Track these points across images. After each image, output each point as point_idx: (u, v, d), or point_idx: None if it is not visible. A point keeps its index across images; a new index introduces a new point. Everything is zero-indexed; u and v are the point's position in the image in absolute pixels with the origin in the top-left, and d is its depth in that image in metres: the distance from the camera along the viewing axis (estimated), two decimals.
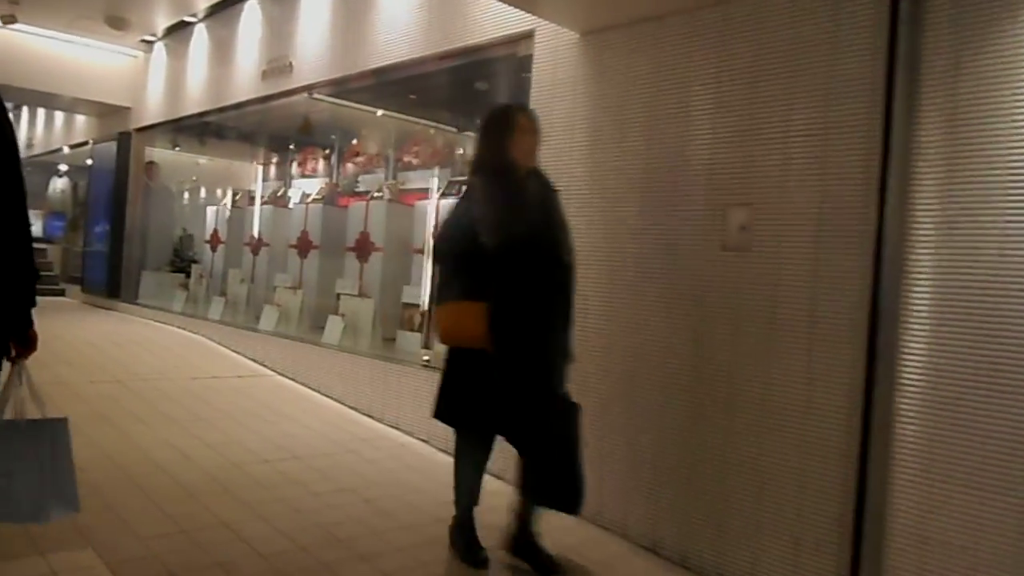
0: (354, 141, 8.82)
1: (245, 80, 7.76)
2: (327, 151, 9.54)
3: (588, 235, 3.97)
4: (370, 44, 6.05)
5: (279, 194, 9.10)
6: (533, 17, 4.55)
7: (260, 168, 11.27)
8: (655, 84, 3.83)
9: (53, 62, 9.95)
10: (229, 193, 9.44)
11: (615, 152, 4.00)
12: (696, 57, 3.66)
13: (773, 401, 3.17)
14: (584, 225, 3.98)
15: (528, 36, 4.66)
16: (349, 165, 8.91)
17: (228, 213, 9.41)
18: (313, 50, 6.73)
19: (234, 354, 7.20)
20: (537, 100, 4.50)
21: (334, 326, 6.38)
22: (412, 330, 6.19)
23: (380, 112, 7.29)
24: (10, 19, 8.53)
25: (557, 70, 4.42)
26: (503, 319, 2.88)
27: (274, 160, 10.72)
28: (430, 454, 4.80)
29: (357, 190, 8.50)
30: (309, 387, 6.16)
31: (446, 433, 4.95)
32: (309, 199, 8.33)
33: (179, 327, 8.51)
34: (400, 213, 7.08)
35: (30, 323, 2.38)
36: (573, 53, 4.34)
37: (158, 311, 9.18)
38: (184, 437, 4.53)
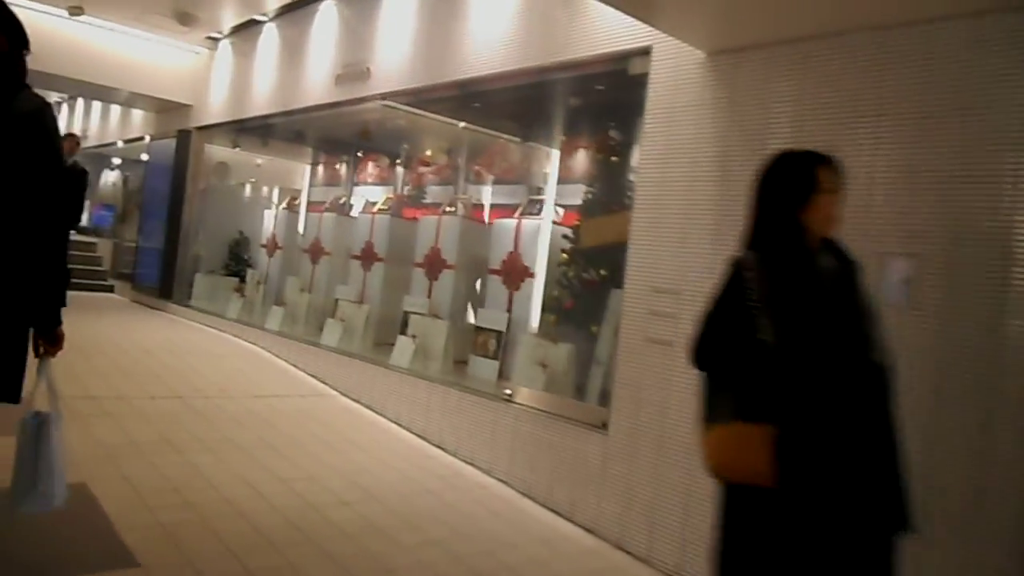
0: (428, 152, 8.49)
1: (316, 84, 7.48)
2: (395, 159, 9.23)
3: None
4: (457, 54, 5.72)
5: (341, 201, 8.82)
6: (650, 33, 4.19)
7: (308, 168, 11.05)
8: (798, 113, 3.45)
9: (113, 56, 9.78)
10: (274, 193, 9.21)
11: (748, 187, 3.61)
12: (848, 86, 3.27)
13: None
14: (712, 270, 3.61)
15: (643, 53, 4.29)
16: (416, 175, 8.58)
17: (285, 216, 9.15)
18: (393, 57, 6.41)
19: (294, 369, 6.90)
20: (652, 123, 4.14)
21: (404, 348, 6.04)
22: (487, 356, 5.84)
23: (462, 124, 6.95)
24: (77, 10, 8.34)
25: (678, 92, 4.05)
26: (797, 448, 2.05)
27: (336, 166, 10.44)
28: (513, 499, 4.43)
29: (424, 202, 8.17)
30: (375, 411, 5.83)
31: (526, 474, 4.61)
32: (374, 208, 8.04)
33: (234, 335, 8.24)
34: (475, 230, 6.75)
35: (58, 322, 2.46)
36: (698, 74, 3.97)
37: (211, 316, 8.92)
38: (255, 469, 4.21)
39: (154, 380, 5.78)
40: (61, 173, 2.39)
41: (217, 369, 6.53)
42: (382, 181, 9.60)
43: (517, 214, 6.24)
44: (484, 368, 5.80)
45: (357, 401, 6.05)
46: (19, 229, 2.28)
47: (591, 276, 5.23)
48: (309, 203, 10.19)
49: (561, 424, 4.45)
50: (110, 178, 16.71)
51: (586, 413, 4.42)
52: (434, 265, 6.80)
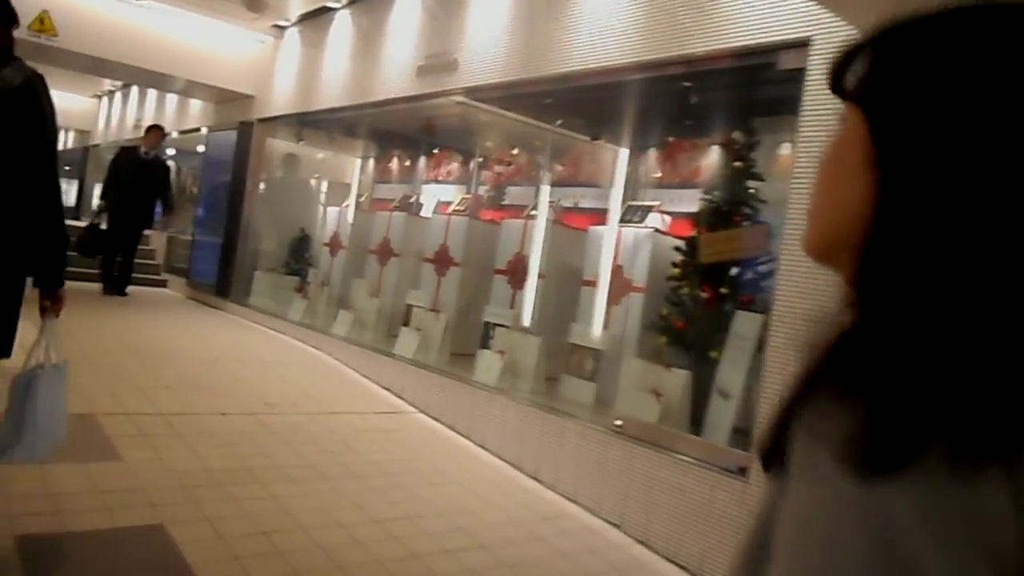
0: (513, 151, 7.95)
1: (395, 75, 7.00)
2: (470, 156, 8.73)
3: None
4: (561, 45, 5.20)
5: (411, 200, 8.35)
6: (809, 23, 3.64)
7: (359, 162, 10.61)
8: None
9: (171, 43, 9.42)
10: (322, 188, 8.77)
11: None
12: None
13: None
14: None
15: (799, 45, 3.73)
16: (494, 175, 8.06)
17: (352, 214, 8.72)
18: (483, 47, 5.91)
19: (365, 380, 6.44)
20: (811, 126, 3.59)
21: (490, 363, 5.55)
22: (582, 376, 5.33)
23: (558, 122, 6.43)
24: None
25: None
26: None
27: (403, 162, 9.98)
28: (629, 547, 3.92)
29: (504, 203, 7.66)
30: (459, 433, 5.34)
31: (642, 518, 4.08)
32: (449, 209, 7.56)
33: (297, 339, 7.82)
34: (566, 236, 6.24)
35: (61, 283, 2.60)
36: None
37: (272, 317, 8.52)
38: (345, 507, 3.74)
39: (223, 393, 5.36)
40: (54, 143, 2.55)
41: (286, 380, 6.09)
42: (454, 179, 9.11)
43: (615, 221, 5.71)
44: (579, 390, 5.28)
45: (438, 420, 5.57)
46: (15, 196, 2.41)
47: (709, 294, 4.69)
48: (373, 200, 9.74)
49: (684, 465, 3.92)
50: None
51: (717, 455, 3.89)
52: (518, 273, 6.30)
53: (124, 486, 3.57)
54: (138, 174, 9.19)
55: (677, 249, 5.00)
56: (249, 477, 3.91)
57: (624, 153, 6.36)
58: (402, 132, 9.41)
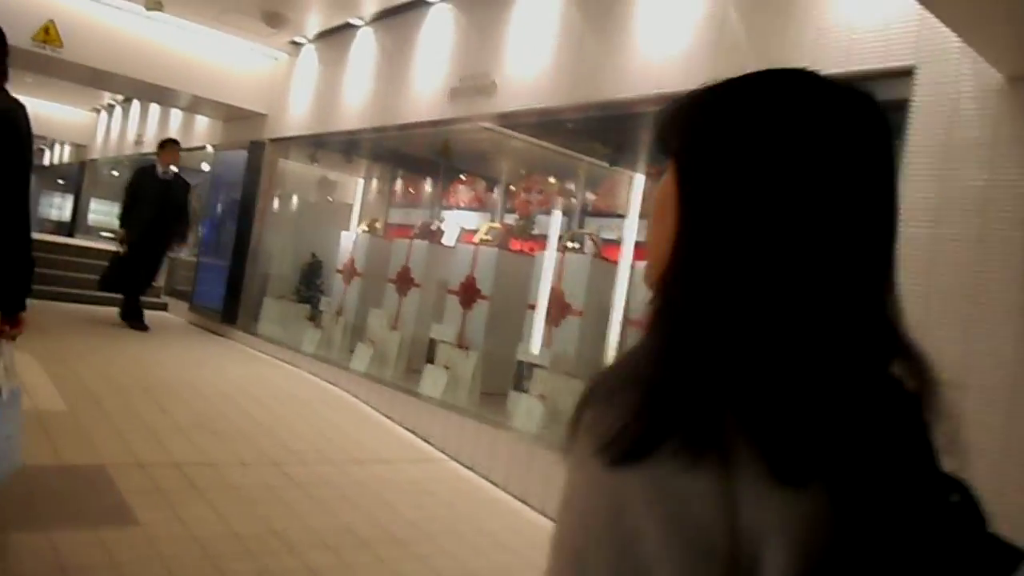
0: (551, 179, 7.57)
1: (423, 97, 6.63)
2: (495, 182, 8.36)
3: None
4: (614, 70, 4.85)
5: (433, 227, 7.96)
6: (914, 50, 3.30)
7: (360, 183, 10.24)
8: None
9: (180, 56, 9.03)
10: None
11: None
12: None
13: None
14: (1019, 361, 2.69)
15: (902, 74, 3.38)
16: (523, 203, 7.68)
17: (367, 240, 8.31)
18: (525, 70, 5.56)
19: (388, 422, 6.01)
20: (919, 165, 3.23)
21: (528, 409, 5.14)
22: None
23: (605, 152, 6.08)
24: (156, 6, 7.59)
25: (959, 125, 3.15)
26: None
27: (420, 186, 9.60)
28: None
29: (534, 233, 7.28)
30: (497, 485, 4.92)
31: None
32: (475, 238, 7.17)
33: (310, 372, 7.39)
34: (606, 271, 5.85)
35: (22, 307, 2.62)
36: (993, 103, 3.06)
37: (282, 348, 8.08)
38: None
39: (242, 438, 4.92)
40: (28, 171, 2.59)
41: (306, 421, 5.66)
42: (477, 206, 8.72)
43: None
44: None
45: (471, 470, 5.14)
46: None
47: None
48: (388, 225, 9.35)
49: None
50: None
51: None
52: (556, 309, 5.91)
53: (143, 556, 3.14)
54: (158, 197, 8.40)
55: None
56: (281, 544, 3.48)
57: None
58: (419, 154, 9.05)
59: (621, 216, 6.65)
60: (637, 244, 6.05)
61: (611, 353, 5.52)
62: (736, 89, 0.70)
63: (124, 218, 8.52)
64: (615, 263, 5.96)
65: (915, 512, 0.62)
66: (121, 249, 8.34)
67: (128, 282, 8.42)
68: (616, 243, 6.37)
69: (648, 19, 4.71)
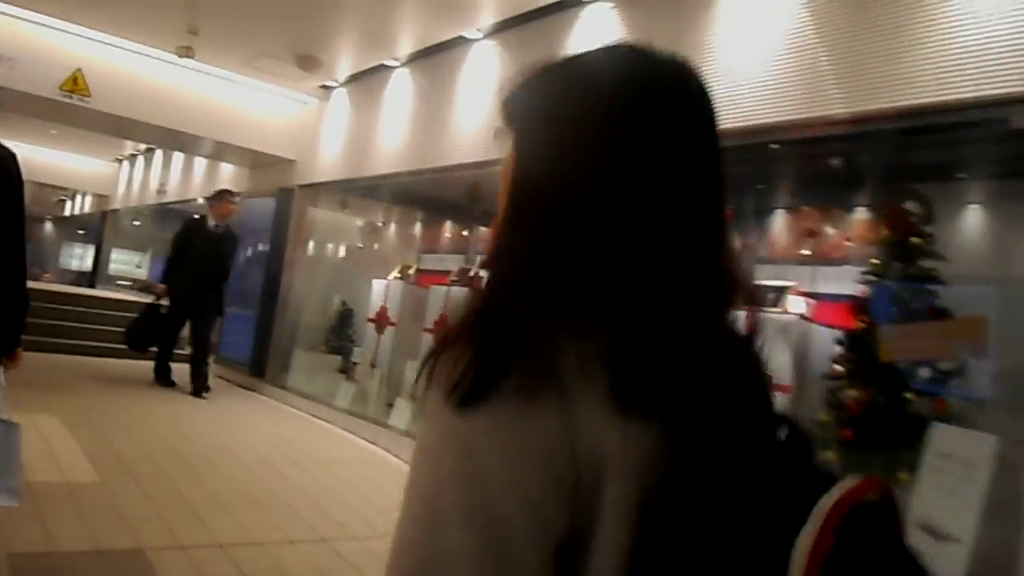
0: None
1: (466, 138, 6.31)
2: None
3: None
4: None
5: (471, 273, 7.59)
6: None
7: (392, 228, 9.92)
8: None
9: (203, 102, 8.81)
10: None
11: None
12: None
13: None
14: None
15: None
16: None
17: (400, 287, 7.96)
18: None
19: None
20: None
21: None
22: None
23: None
24: (186, 52, 7.34)
25: None
26: None
27: (459, 230, 9.27)
28: None
29: None
30: None
31: None
32: None
33: (347, 430, 6.98)
34: None
35: (18, 343, 2.82)
36: None
37: (315, 403, 7.69)
38: None
39: (286, 511, 4.50)
40: (22, 214, 2.73)
41: (350, 487, 5.24)
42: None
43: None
44: None
45: None
46: None
47: (886, 400, 3.87)
48: (420, 271, 8.99)
49: None
50: None
51: None
52: None
53: None
54: (210, 252, 7.80)
55: (840, 343, 4.20)
56: None
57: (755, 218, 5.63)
58: (452, 198, 8.73)
59: None
60: None
61: None
62: (558, 65, 0.76)
63: (168, 273, 7.93)
64: None
65: (744, 448, 0.65)
66: (162, 306, 7.75)
67: (162, 340, 7.97)
68: None
69: (734, 36, 4.36)
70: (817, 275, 5.15)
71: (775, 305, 4.69)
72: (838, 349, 4.27)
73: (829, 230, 5.49)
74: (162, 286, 7.90)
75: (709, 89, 0.73)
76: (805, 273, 5.39)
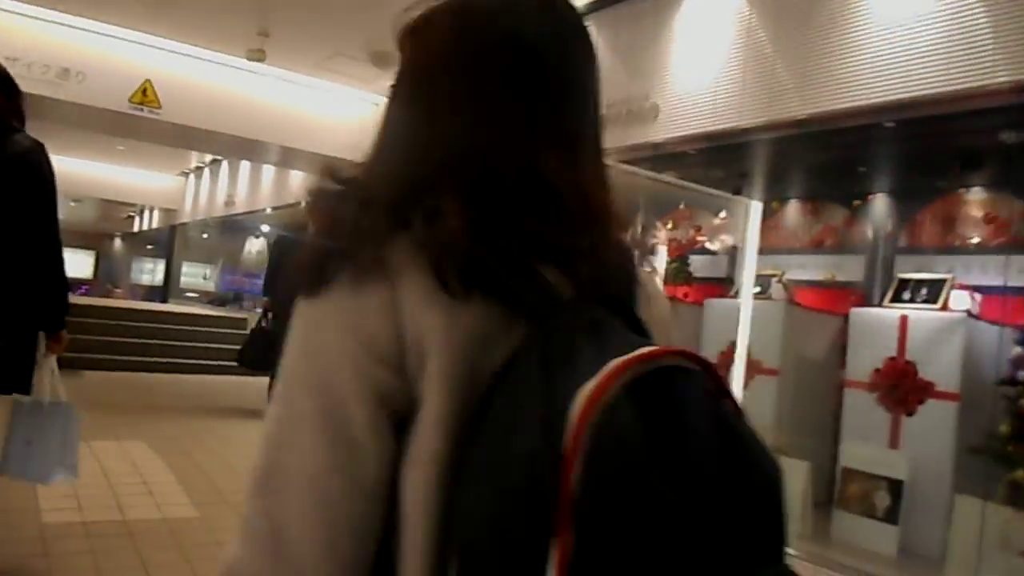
0: (680, 205, 6.70)
1: None
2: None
3: None
4: (815, 80, 4.00)
5: None
6: None
7: None
8: None
9: (271, 108, 8.49)
10: None
11: None
12: None
13: None
14: None
15: None
16: (671, 244, 6.79)
17: None
18: (695, 88, 4.75)
19: None
20: None
21: None
22: (872, 516, 3.97)
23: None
24: (257, 54, 7.06)
25: None
26: None
27: None
28: None
29: (694, 277, 6.38)
30: None
31: None
32: None
33: None
34: (804, 320, 4.95)
35: (63, 326, 2.91)
36: None
37: None
38: None
39: None
40: (53, 206, 2.80)
41: None
42: None
43: (886, 299, 4.40)
44: (868, 534, 3.92)
45: None
46: (22, 257, 2.70)
47: None
48: None
49: None
50: (254, 246, 15.76)
51: None
52: (727, 368, 5.01)
53: None
54: None
55: (1019, 343, 3.66)
56: None
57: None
58: None
59: (798, 252, 5.76)
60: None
61: (830, 423, 4.59)
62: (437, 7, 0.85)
63: (268, 286, 7.64)
64: (819, 311, 5.06)
65: (563, 319, 0.68)
66: (266, 321, 7.38)
67: (271, 357, 7.59)
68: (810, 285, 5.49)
69: (857, 19, 3.84)
70: (968, 265, 4.62)
71: (934, 301, 4.15)
72: (1017, 351, 3.73)
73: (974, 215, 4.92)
74: (267, 299, 7.61)
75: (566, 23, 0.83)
76: (944, 263, 4.87)
